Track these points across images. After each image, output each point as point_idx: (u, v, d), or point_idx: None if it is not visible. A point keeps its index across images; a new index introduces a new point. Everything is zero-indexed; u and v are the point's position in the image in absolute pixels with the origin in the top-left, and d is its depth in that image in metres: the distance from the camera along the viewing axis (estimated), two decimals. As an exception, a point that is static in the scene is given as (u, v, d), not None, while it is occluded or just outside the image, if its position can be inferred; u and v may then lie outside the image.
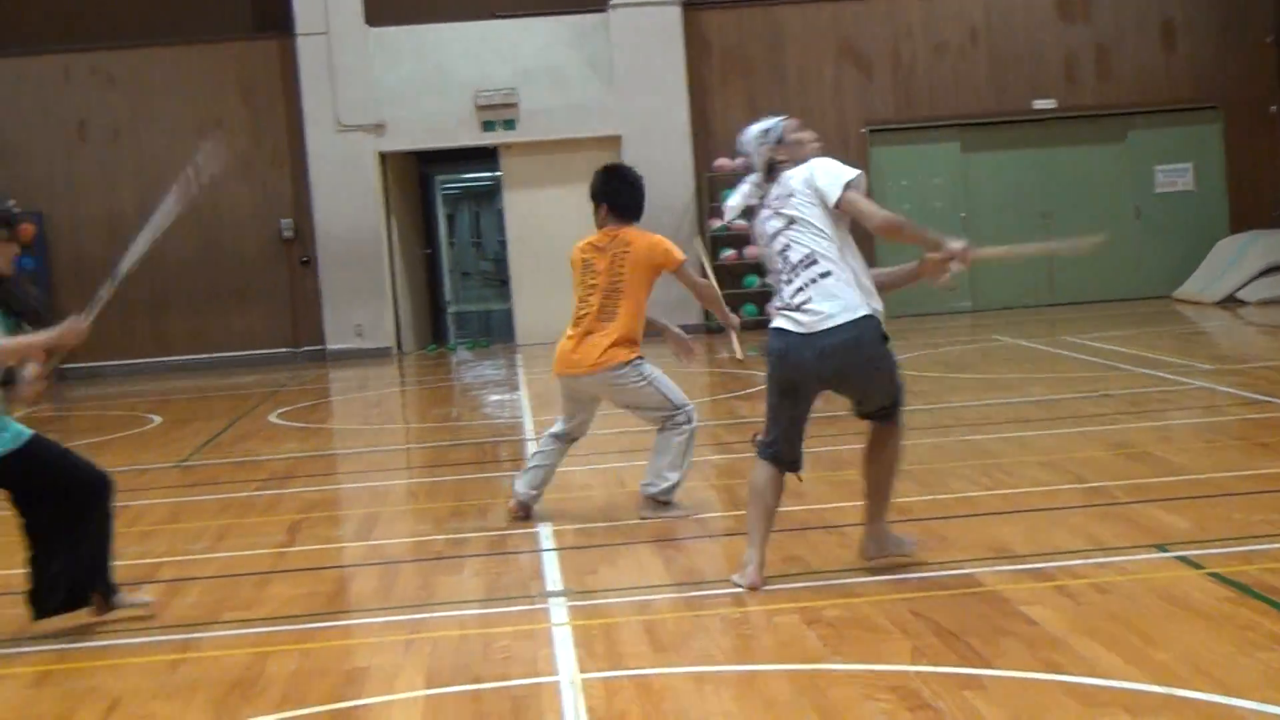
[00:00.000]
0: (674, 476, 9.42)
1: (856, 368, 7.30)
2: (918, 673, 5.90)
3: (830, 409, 13.78)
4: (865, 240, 7.59)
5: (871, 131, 23.47)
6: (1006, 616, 6.61)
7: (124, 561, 9.00)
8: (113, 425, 16.18)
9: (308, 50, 22.60)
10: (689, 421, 9.50)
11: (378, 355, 22.85)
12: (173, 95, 23.11)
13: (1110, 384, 14.14)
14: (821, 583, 7.42)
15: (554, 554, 8.49)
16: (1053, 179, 23.72)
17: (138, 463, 13.34)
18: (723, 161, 22.96)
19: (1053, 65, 23.56)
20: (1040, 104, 23.59)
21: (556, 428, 9.65)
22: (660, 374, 9.53)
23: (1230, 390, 13.45)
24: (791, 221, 7.36)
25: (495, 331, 26.96)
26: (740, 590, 7.30)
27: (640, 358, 9.47)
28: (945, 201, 23.61)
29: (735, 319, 10.17)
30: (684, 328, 9.95)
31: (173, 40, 23.07)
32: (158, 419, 16.36)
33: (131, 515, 10.44)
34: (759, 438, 7.60)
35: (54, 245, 22.82)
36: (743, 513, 9.31)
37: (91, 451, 14.27)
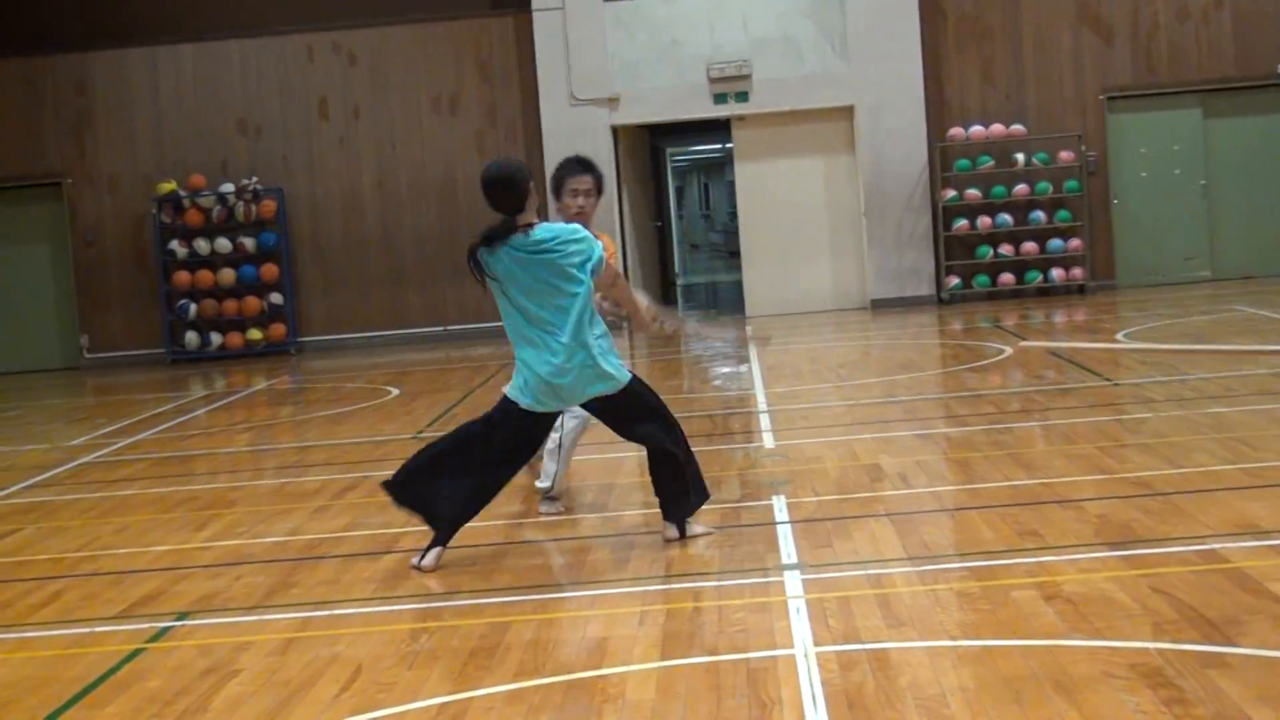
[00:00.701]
0: (557, 470, 9.59)
1: None
2: (1159, 650, 5.80)
3: (1051, 383, 13.61)
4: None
5: (1110, 99, 23.01)
6: (1252, 593, 6.46)
7: (366, 531, 9.26)
8: (353, 397, 16.53)
9: (543, 25, 22.81)
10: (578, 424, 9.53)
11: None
12: (411, 72, 23.51)
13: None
14: (1058, 557, 7.32)
15: (788, 527, 8.49)
16: (1297, 145, 23.05)
17: (378, 434, 13.63)
18: (957, 131, 22.71)
19: (1300, 28, 22.88)
20: (1287, 68, 22.94)
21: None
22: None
23: None
24: None
25: (724, 304, 27.00)
26: (978, 565, 7.24)
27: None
28: (1185, 169, 23.06)
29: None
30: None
31: (411, 18, 23.46)
32: (396, 390, 16.67)
33: (370, 485, 10.68)
34: None
35: (293, 220, 23.37)
36: (978, 486, 9.25)
37: (332, 422, 14.67)
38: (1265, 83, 22.94)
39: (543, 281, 7.83)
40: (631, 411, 8.16)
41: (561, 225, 8.10)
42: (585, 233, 8.02)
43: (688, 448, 8.32)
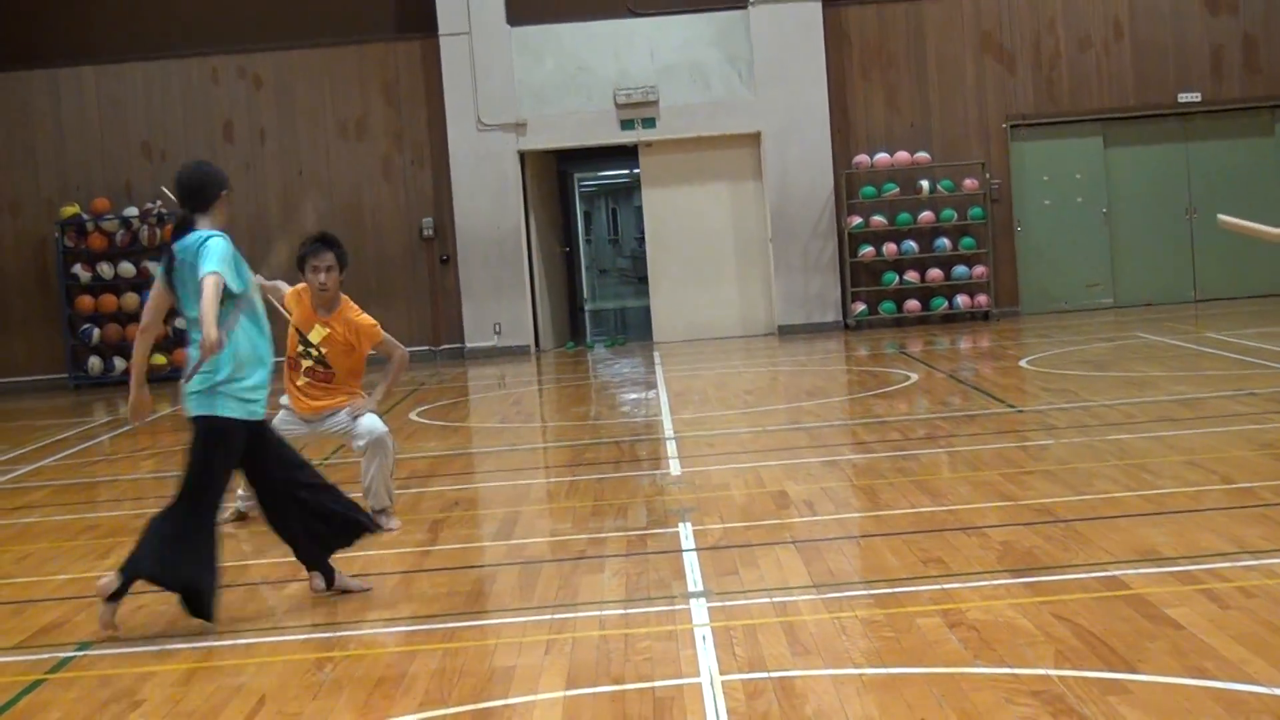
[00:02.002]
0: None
1: None
2: (1061, 677, 5.86)
3: (967, 408, 13.72)
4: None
5: (1013, 126, 23.26)
6: (1152, 620, 6.53)
7: (270, 560, 9.18)
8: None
9: (450, 50, 22.79)
10: None
11: (516, 353, 23.00)
12: (318, 96, 23.42)
13: (1256, 382, 13.91)
14: (963, 584, 7.37)
15: (694, 554, 8.51)
16: (1197, 173, 23.34)
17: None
18: (862, 158, 22.87)
19: (1198, 58, 23.19)
20: (1185, 97, 23.24)
21: None
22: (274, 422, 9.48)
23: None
24: None
25: (632, 329, 27.04)
26: (883, 592, 7.28)
27: (282, 401, 10.10)
28: (1087, 196, 23.33)
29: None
30: None
31: (318, 42, 23.36)
32: (302, 416, 16.54)
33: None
34: None
35: (201, 245, 23.17)
36: (883, 513, 9.30)
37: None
38: (1164, 111, 23.27)
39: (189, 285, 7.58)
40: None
41: (206, 234, 7.60)
42: (214, 246, 7.47)
43: (191, 520, 7.57)
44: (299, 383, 9.95)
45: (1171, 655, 6.04)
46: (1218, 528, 8.26)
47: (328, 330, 9.85)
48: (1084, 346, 18.33)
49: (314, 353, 9.88)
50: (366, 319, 9.97)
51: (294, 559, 8.18)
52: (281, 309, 10.35)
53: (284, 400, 10.03)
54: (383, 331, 10.02)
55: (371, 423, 9.80)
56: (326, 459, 13.10)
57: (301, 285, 10.01)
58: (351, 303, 10.03)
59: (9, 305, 23.54)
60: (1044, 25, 23.27)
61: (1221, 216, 8.60)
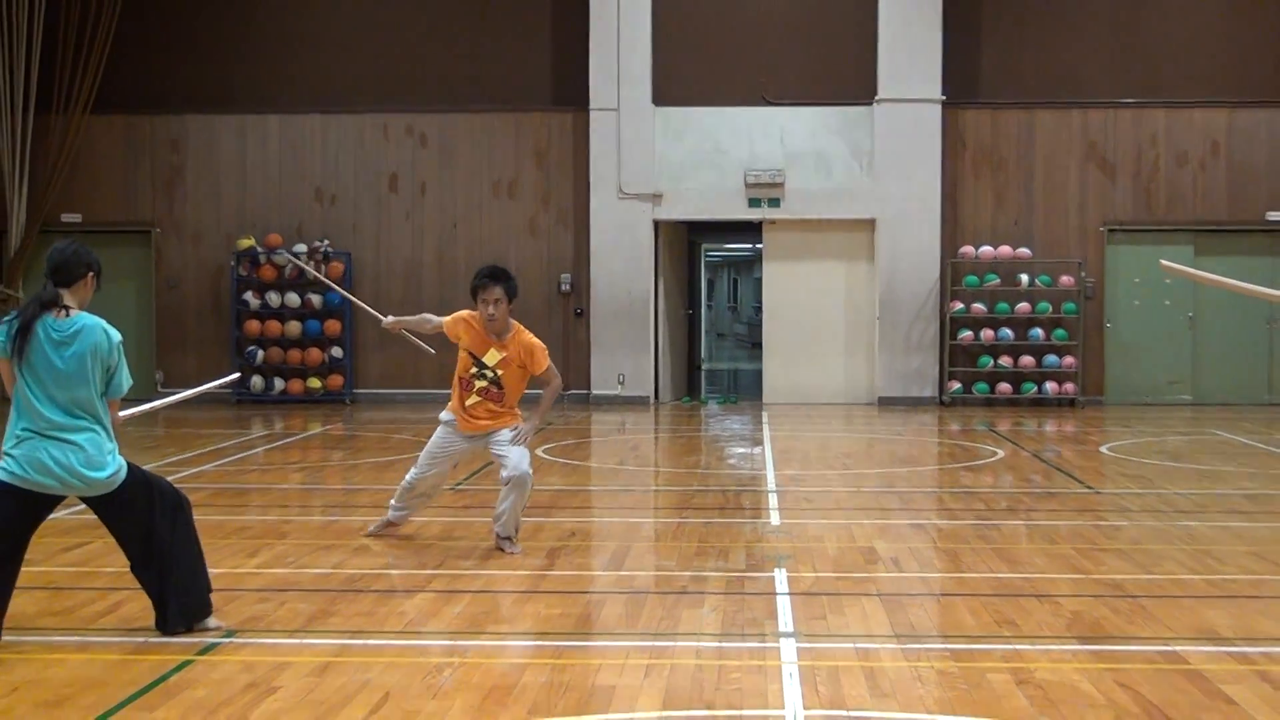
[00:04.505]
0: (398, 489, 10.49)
1: None
2: (1119, 739, 5.81)
3: (1049, 486, 13.61)
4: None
5: (1110, 230, 23.08)
6: (1208, 695, 6.47)
7: (402, 570, 9.29)
8: (400, 447, 16.58)
9: (599, 124, 22.99)
10: (408, 474, 10.43)
11: (637, 402, 23.07)
12: (475, 156, 23.70)
13: (1323, 484, 13.70)
14: (1032, 646, 7.33)
15: (787, 598, 8.51)
16: (1280, 287, 23.03)
17: (419, 482, 13.66)
18: (967, 249, 22.79)
19: (1289, 180, 22.96)
20: (1274, 215, 22.96)
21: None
22: (434, 439, 10.25)
23: None
24: None
25: (743, 389, 27.03)
26: (958, 647, 7.25)
27: (442, 417, 10.28)
28: (1174, 300, 23.09)
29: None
30: None
31: (480, 108, 23.64)
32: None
33: (411, 529, 10.74)
34: None
35: (358, 282, 23.47)
36: (963, 575, 9.26)
37: (379, 469, 14.72)
38: (1253, 228, 23.01)
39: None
40: None
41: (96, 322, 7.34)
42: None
43: None
44: (468, 403, 9.96)
45: (1223, 728, 5.98)
46: (1276, 615, 8.16)
47: (504, 353, 9.89)
48: (1162, 438, 18.11)
49: (489, 374, 9.90)
50: (537, 341, 10.04)
51: (435, 569, 8.23)
52: (418, 341, 10.53)
53: (446, 417, 10.10)
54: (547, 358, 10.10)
55: (520, 460, 9.83)
56: (459, 484, 13.23)
57: (465, 312, 10.08)
58: (522, 326, 10.09)
59: (185, 324, 23.96)
60: (1145, 140, 23.10)
61: (1163, 262, 8.70)
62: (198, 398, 9.07)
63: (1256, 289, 8.93)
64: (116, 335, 7.37)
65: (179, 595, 7.53)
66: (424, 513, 11.17)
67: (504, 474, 9.85)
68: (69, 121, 23.04)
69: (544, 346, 10.08)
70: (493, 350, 9.90)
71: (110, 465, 7.30)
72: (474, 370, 9.94)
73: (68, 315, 7.28)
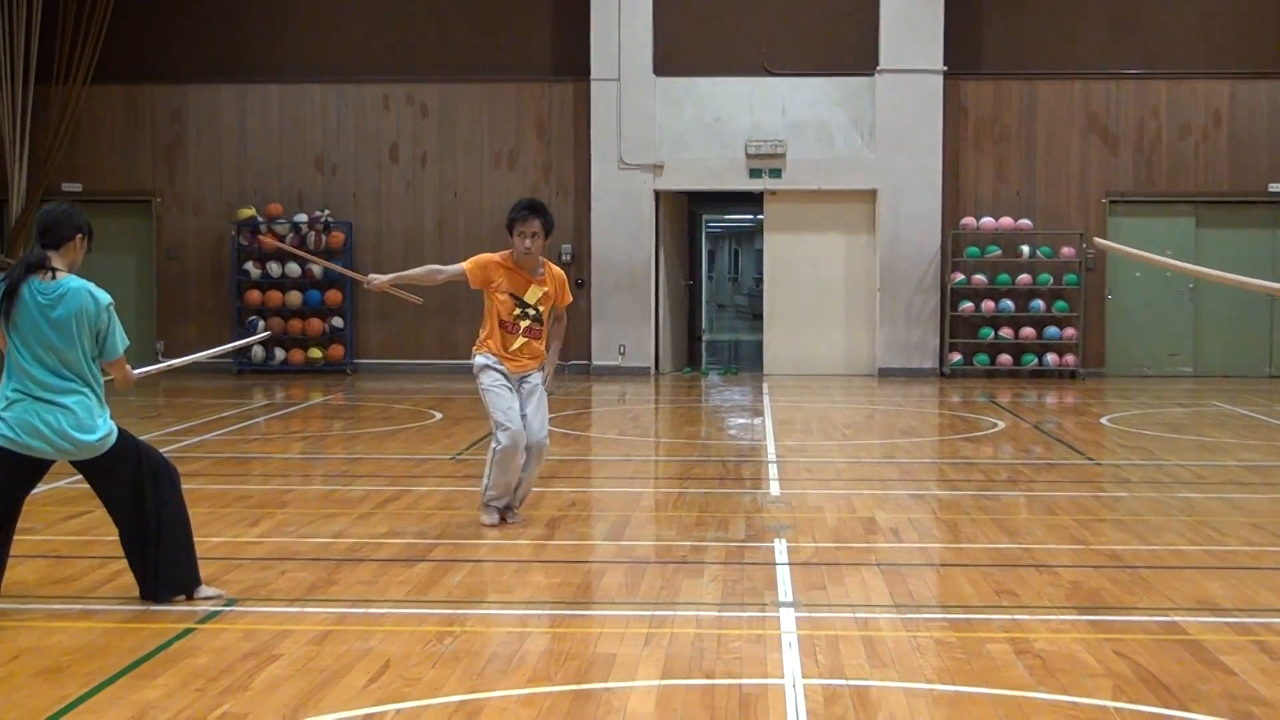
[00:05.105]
0: (483, 483, 9.82)
1: None
2: (1117, 709, 5.82)
3: (1048, 457, 13.62)
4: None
5: (1111, 201, 23.05)
6: (1207, 665, 6.48)
7: (403, 540, 9.30)
8: (400, 418, 16.59)
9: (600, 94, 22.94)
10: (497, 443, 9.59)
11: (637, 373, 23.07)
12: (476, 127, 23.66)
13: (1323, 456, 13.71)
14: (1031, 616, 7.34)
15: (786, 568, 8.52)
16: (1282, 259, 23.06)
17: (420, 453, 13.68)
18: (969, 220, 22.75)
19: (1291, 151, 22.93)
20: (1276, 187, 22.92)
21: None
22: (492, 389, 9.64)
23: None
24: None
25: (744, 360, 27.02)
26: (957, 617, 7.27)
27: (483, 363, 9.72)
28: (1175, 272, 23.08)
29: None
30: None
31: (481, 78, 23.59)
32: (439, 415, 16.74)
33: (410, 498, 10.76)
34: None
35: (359, 252, 23.45)
36: (963, 546, 9.27)
37: (379, 439, 14.73)
38: (1255, 199, 22.98)
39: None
40: None
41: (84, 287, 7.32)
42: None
43: None
44: (513, 346, 9.66)
45: (1222, 698, 5.98)
46: (1275, 586, 8.16)
47: (544, 289, 9.73)
48: (1162, 410, 18.11)
49: (532, 312, 9.71)
50: (559, 269, 9.96)
51: (435, 539, 8.22)
52: (404, 293, 10.31)
53: (490, 361, 9.67)
54: None
55: (541, 427, 9.73)
56: (459, 454, 13.24)
57: (487, 255, 9.89)
58: (548, 260, 9.93)
59: (186, 293, 23.95)
60: (1148, 111, 23.05)
61: (1097, 240, 8.76)
62: (218, 358, 8.99)
63: (1188, 267, 9.11)
64: (105, 297, 7.33)
65: (168, 563, 7.52)
66: (425, 482, 11.19)
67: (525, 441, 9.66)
68: (69, 91, 22.97)
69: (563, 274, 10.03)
70: (534, 287, 9.70)
71: (100, 428, 7.30)
72: (517, 312, 9.69)
73: (54, 278, 7.26)
